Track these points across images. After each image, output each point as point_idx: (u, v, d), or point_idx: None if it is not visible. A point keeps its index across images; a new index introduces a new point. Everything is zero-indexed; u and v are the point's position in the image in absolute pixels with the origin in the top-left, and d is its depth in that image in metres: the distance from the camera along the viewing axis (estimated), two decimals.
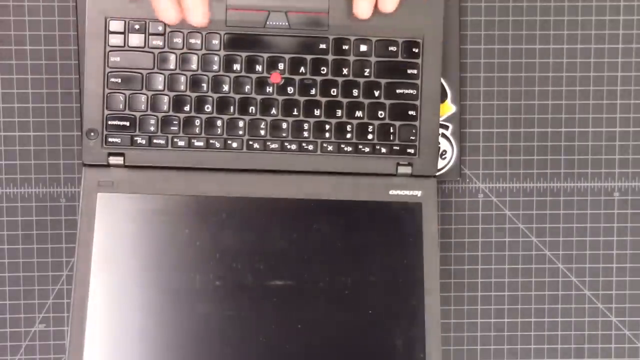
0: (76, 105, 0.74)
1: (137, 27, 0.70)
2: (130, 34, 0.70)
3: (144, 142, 0.71)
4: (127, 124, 0.71)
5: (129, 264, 0.69)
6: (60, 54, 0.74)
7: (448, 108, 0.75)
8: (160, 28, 0.70)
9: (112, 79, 0.70)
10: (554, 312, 0.77)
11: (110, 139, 0.71)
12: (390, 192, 0.72)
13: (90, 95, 0.70)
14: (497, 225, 0.77)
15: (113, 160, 0.71)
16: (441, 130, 0.75)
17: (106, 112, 0.70)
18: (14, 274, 0.75)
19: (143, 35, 0.70)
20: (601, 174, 0.77)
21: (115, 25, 0.70)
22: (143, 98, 0.70)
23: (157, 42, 0.70)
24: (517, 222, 0.77)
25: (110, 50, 0.70)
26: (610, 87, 0.77)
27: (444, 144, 0.75)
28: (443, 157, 0.75)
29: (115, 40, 0.70)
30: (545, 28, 0.76)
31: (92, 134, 0.70)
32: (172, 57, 0.70)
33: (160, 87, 0.70)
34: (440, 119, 0.75)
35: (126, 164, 0.71)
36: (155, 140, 0.71)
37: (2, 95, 0.74)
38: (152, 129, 0.71)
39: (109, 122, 0.71)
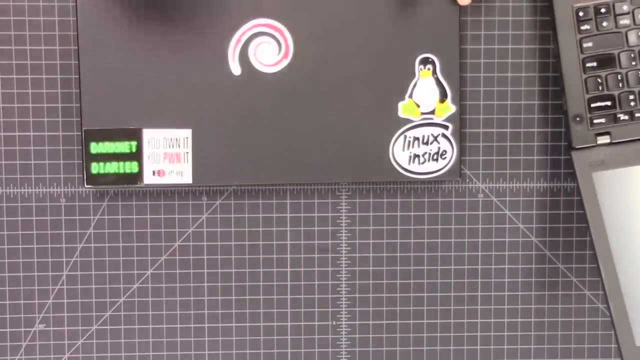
0: (76, 105, 0.74)
1: (602, 10, 0.72)
2: (598, 18, 0.72)
3: (626, 117, 0.73)
4: (609, 103, 0.72)
5: None
6: (60, 54, 0.74)
7: (448, 108, 0.75)
8: (626, 7, 0.72)
9: (588, 64, 0.72)
10: (554, 312, 0.77)
11: (595, 121, 0.73)
12: None
13: (570, 82, 0.72)
14: (497, 225, 0.77)
15: (600, 139, 0.73)
16: (441, 131, 0.75)
17: (586, 96, 0.72)
18: (14, 274, 0.75)
19: (611, 16, 0.72)
20: None
21: (584, 13, 0.72)
22: (618, 77, 0.73)
23: (624, 21, 0.72)
24: (517, 222, 0.77)
25: (582, 37, 0.72)
26: None
27: (444, 144, 0.75)
28: (443, 157, 0.75)
29: (585, 27, 0.72)
30: (545, 28, 0.76)
31: (578, 118, 0.73)
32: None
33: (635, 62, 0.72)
34: (440, 119, 0.75)
35: (612, 141, 0.73)
36: (637, 114, 0.73)
37: (2, 95, 0.74)
38: (632, 104, 0.73)
39: (592, 105, 0.72)
